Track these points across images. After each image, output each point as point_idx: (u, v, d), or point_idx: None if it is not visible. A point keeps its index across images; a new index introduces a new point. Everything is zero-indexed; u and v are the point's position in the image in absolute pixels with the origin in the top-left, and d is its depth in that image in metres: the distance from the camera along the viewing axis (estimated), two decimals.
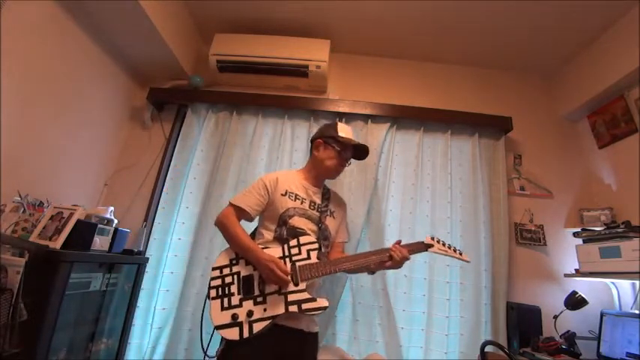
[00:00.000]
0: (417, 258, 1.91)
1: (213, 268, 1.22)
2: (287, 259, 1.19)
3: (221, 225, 1.27)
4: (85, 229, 1.42)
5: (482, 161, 2.12)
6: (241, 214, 1.28)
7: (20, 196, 1.41)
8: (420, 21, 2.11)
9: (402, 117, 2.16)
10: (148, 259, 1.84)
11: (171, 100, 2.29)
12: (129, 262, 1.68)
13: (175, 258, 1.92)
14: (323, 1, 2.03)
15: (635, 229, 1.62)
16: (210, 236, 1.90)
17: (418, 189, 2.04)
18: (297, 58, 2.14)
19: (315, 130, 2.15)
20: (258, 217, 1.35)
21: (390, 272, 1.88)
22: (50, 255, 1.21)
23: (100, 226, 1.50)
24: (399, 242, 1.29)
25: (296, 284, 1.15)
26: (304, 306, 1.11)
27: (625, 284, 1.81)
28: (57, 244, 1.28)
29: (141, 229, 1.99)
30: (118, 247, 1.62)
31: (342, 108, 2.15)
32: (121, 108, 2.21)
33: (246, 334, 1.08)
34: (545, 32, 2.08)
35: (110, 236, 1.57)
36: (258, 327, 1.09)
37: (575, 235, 1.88)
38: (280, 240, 1.24)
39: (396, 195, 2.05)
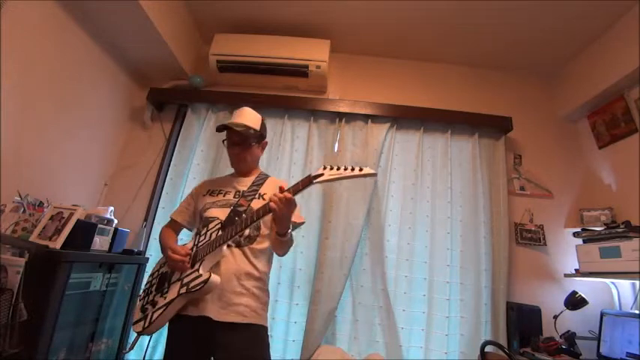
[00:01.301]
0: (417, 258, 1.92)
1: (149, 276, 1.28)
2: (195, 248, 1.18)
3: (158, 239, 1.33)
4: (85, 229, 1.42)
5: (482, 161, 2.12)
6: (175, 224, 1.36)
7: (20, 196, 1.41)
8: (420, 21, 2.11)
9: (402, 117, 2.16)
10: (147, 259, 1.84)
11: (171, 100, 2.29)
12: (129, 262, 1.68)
13: None
14: (323, 1, 2.03)
15: (635, 229, 1.62)
16: None
17: (418, 189, 2.04)
18: (297, 58, 2.14)
19: (315, 129, 2.17)
20: None
21: (390, 272, 1.88)
22: (50, 255, 1.21)
23: (100, 226, 1.50)
24: (281, 189, 1.09)
25: (192, 267, 1.13)
26: (191, 284, 1.08)
27: (625, 284, 1.81)
28: (57, 244, 1.28)
29: (141, 229, 1.99)
30: (118, 247, 1.62)
31: (342, 108, 2.15)
32: (121, 108, 2.21)
33: (146, 324, 1.09)
34: (545, 32, 2.08)
35: (110, 236, 1.57)
36: (156, 315, 1.09)
37: (575, 235, 1.88)
38: (197, 234, 1.24)
39: (396, 195, 2.05)
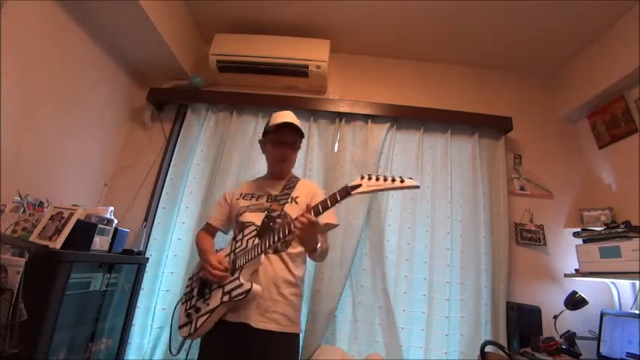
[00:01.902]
0: (417, 258, 1.92)
1: (188, 279, 1.33)
2: (232, 254, 1.22)
3: (195, 242, 1.40)
4: (85, 229, 1.42)
5: (482, 161, 2.12)
6: (211, 228, 1.41)
7: (20, 196, 1.41)
8: (420, 21, 2.11)
9: (402, 117, 2.16)
10: (147, 259, 1.84)
11: (171, 100, 2.29)
12: (129, 262, 1.68)
13: (175, 258, 1.92)
14: (323, 1, 2.03)
15: (635, 229, 1.62)
16: None
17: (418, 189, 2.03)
18: (297, 58, 2.14)
19: (315, 129, 2.17)
20: None
21: (390, 272, 1.88)
22: (50, 255, 1.20)
23: (100, 226, 1.50)
24: (308, 208, 1.06)
25: (232, 274, 1.16)
26: (233, 293, 1.12)
27: (625, 284, 1.81)
28: (57, 244, 1.28)
29: (141, 229, 1.99)
30: (118, 247, 1.62)
31: (342, 108, 2.15)
32: (121, 108, 2.21)
33: (192, 330, 1.16)
34: (545, 32, 2.08)
35: (110, 236, 1.57)
36: (200, 321, 1.15)
37: (575, 235, 1.88)
38: (233, 238, 1.28)
39: (396, 195, 2.05)
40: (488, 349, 1.49)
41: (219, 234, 1.45)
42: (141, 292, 1.79)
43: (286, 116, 1.33)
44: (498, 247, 1.93)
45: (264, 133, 1.38)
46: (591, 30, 2.01)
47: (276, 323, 1.13)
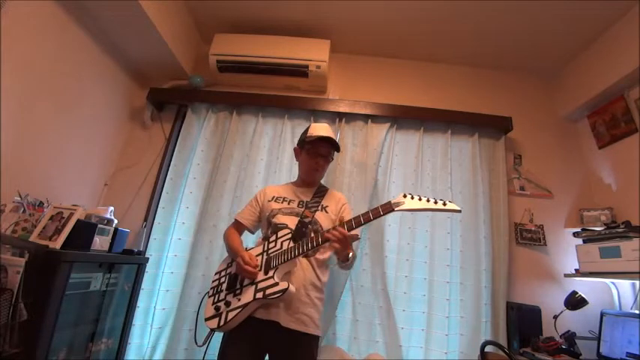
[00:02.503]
0: (417, 258, 1.92)
1: (215, 273, 1.38)
2: (265, 254, 1.27)
3: (224, 238, 1.44)
4: (85, 229, 1.42)
5: (482, 161, 2.11)
6: (240, 226, 1.46)
7: (20, 196, 1.41)
8: (420, 21, 2.11)
9: (402, 117, 2.16)
10: (148, 259, 1.83)
11: (171, 100, 2.29)
12: (129, 262, 1.68)
13: (175, 258, 1.92)
14: (323, 1, 2.03)
15: (635, 229, 1.62)
16: (210, 237, 1.90)
17: (418, 189, 2.04)
18: (297, 58, 2.14)
19: None
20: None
21: (390, 272, 1.88)
22: (50, 255, 1.20)
23: (100, 226, 1.50)
24: (341, 220, 1.19)
25: (266, 273, 1.21)
26: (268, 291, 1.15)
27: (625, 284, 1.81)
28: (57, 244, 1.28)
29: (141, 229, 1.99)
30: (118, 247, 1.62)
31: (342, 108, 2.15)
32: (121, 108, 2.21)
33: (222, 323, 1.17)
34: (545, 32, 2.08)
35: (110, 236, 1.57)
36: (231, 315, 1.17)
37: (575, 235, 1.88)
38: (265, 238, 1.33)
39: (396, 195, 2.04)
40: (489, 349, 1.49)
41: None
42: (141, 292, 1.79)
43: (324, 130, 1.42)
44: (498, 247, 1.93)
45: (301, 142, 1.45)
46: (591, 30, 2.01)
47: (303, 324, 1.20)
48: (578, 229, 1.88)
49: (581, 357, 1.58)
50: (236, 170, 2.06)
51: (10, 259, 1.09)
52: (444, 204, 1.06)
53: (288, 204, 1.39)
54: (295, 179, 1.57)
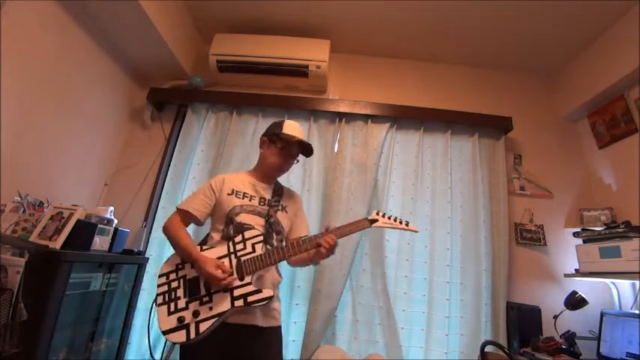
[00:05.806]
0: (417, 258, 1.92)
1: (160, 275, 1.19)
2: (232, 256, 1.17)
3: (165, 231, 1.25)
4: (85, 229, 1.42)
5: (482, 161, 2.12)
6: (188, 217, 1.26)
7: (20, 196, 1.41)
8: (420, 21, 2.11)
9: (402, 117, 2.16)
10: (147, 259, 1.84)
11: (171, 100, 2.29)
12: (129, 262, 1.68)
13: None
14: (323, 1, 2.03)
15: (635, 229, 1.62)
16: None
17: (418, 189, 2.04)
18: (297, 58, 2.14)
19: (315, 129, 2.17)
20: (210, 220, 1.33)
21: (390, 272, 1.88)
22: (50, 255, 1.21)
23: (100, 226, 1.50)
24: (327, 228, 1.24)
25: (241, 279, 1.13)
26: (250, 298, 1.10)
27: (625, 284, 1.81)
28: (57, 244, 1.28)
29: (141, 229, 1.99)
30: (118, 247, 1.62)
31: (342, 108, 2.15)
32: (121, 108, 2.21)
33: (192, 335, 1.06)
34: (545, 32, 2.08)
35: (110, 236, 1.57)
36: (204, 326, 1.07)
37: (575, 235, 1.88)
38: (227, 238, 1.22)
39: (396, 195, 2.05)
40: (489, 349, 1.49)
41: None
42: (141, 292, 1.79)
43: (300, 132, 1.38)
44: (498, 247, 1.93)
45: (273, 136, 1.35)
46: (591, 30, 2.01)
47: (274, 319, 1.23)
48: (578, 229, 1.88)
49: (581, 357, 1.58)
50: (236, 170, 2.05)
51: (10, 259, 1.10)
52: (407, 224, 1.28)
53: (250, 200, 1.29)
54: (250, 169, 1.43)
